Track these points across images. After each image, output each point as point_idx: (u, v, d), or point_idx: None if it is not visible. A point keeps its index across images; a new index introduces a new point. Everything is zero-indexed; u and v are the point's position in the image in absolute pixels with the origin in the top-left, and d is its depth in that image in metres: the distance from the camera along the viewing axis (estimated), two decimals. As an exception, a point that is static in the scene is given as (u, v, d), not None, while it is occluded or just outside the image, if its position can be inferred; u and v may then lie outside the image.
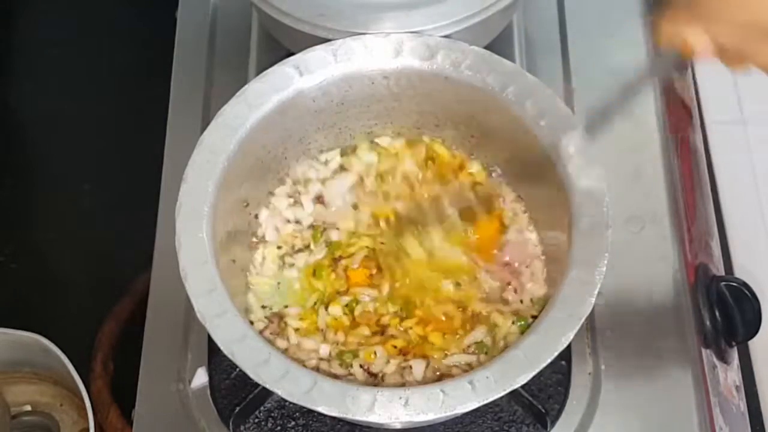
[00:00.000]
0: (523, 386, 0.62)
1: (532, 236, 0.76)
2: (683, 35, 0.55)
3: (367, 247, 0.76)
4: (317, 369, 0.70)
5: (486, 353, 0.70)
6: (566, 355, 0.76)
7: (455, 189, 0.78)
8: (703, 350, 0.79)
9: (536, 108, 0.71)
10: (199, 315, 0.64)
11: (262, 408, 0.75)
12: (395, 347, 0.71)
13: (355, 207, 0.79)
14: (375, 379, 0.70)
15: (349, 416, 0.61)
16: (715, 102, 1.09)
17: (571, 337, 0.62)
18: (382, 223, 0.77)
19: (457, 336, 0.72)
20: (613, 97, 0.65)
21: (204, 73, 0.93)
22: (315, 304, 0.74)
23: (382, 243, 0.76)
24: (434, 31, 0.76)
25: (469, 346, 0.71)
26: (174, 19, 0.98)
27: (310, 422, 0.75)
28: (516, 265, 0.75)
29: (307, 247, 0.77)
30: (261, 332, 0.72)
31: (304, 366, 0.68)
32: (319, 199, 0.79)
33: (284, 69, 0.74)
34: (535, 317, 0.70)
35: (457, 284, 0.74)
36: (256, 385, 0.68)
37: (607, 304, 0.78)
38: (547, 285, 0.73)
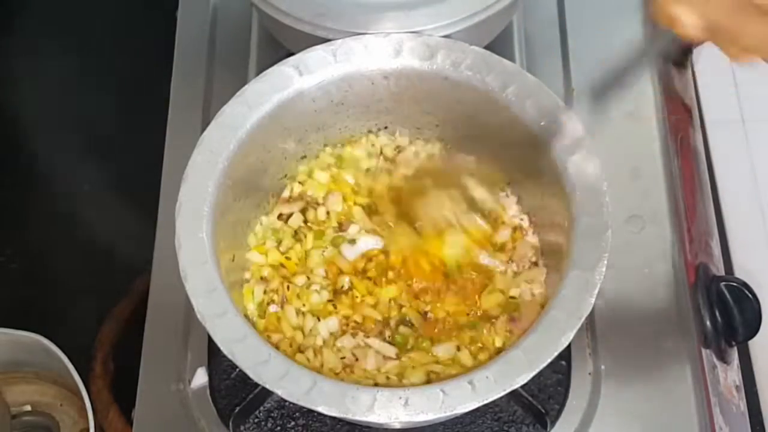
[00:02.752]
0: (523, 386, 0.62)
1: (533, 240, 0.76)
2: (675, 13, 0.53)
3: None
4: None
5: None
6: (566, 355, 0.76)
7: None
8: (703, 350, 0.79)
9: (536, 108, 0.71)
10: (199, 315, 0.64)
11: (262, 408, 0.75)
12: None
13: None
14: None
15: (349, 416, 0.61)
16: (715, 102, 1.09)
17: (571, 337, 0.63)
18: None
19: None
20: (612, 71, 0.63)
21: (204, 73, 0.93)
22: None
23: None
24: (434, 31, 0.76)
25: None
26: (174, 19, 0.98)
27: (310, 422, 0.75)
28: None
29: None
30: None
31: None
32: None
33: (284, 69, 0.74)
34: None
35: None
36: (256, 385, 0.68)
37: (607, 304, 0.78)
38: (547, 287, 0.73)
